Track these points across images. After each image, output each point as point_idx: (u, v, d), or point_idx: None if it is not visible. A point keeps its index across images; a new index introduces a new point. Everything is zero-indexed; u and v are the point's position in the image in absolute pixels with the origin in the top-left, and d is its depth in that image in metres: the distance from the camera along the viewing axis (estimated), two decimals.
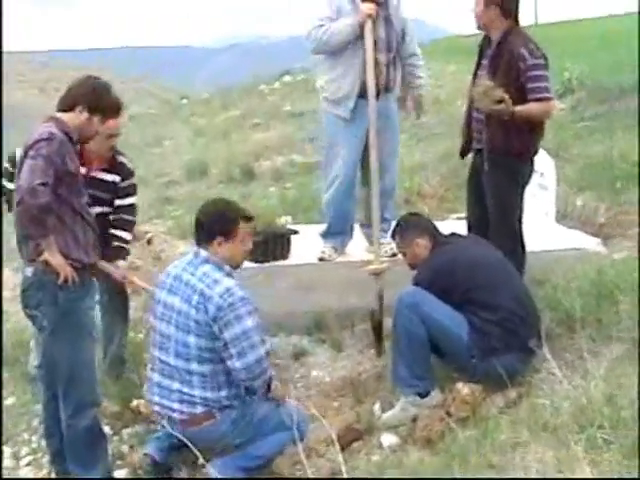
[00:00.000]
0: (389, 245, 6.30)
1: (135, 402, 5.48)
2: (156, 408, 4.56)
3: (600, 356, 4.90)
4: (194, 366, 4.30)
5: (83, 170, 5.49)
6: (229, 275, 4.36)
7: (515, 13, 5.70)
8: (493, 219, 5.78)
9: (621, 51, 15.54)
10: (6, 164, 5.56)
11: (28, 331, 6.38)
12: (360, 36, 6.04)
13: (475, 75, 5.86)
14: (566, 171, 8.93)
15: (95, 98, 4.70)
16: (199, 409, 4.34)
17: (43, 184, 4.34)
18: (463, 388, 4.86)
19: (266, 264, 6.38)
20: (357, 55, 6.13)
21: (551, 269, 6.11)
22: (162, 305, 4.44)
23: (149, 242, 8.55)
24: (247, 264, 6.29)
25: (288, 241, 6.53)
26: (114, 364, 5.73)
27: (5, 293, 8.43)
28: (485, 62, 5.73)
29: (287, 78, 25.06)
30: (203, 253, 4.41)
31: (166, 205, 11.31)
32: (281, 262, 6.46)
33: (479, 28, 5.79)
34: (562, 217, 7.83)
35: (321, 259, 6.47)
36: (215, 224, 4.44)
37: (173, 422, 4.41)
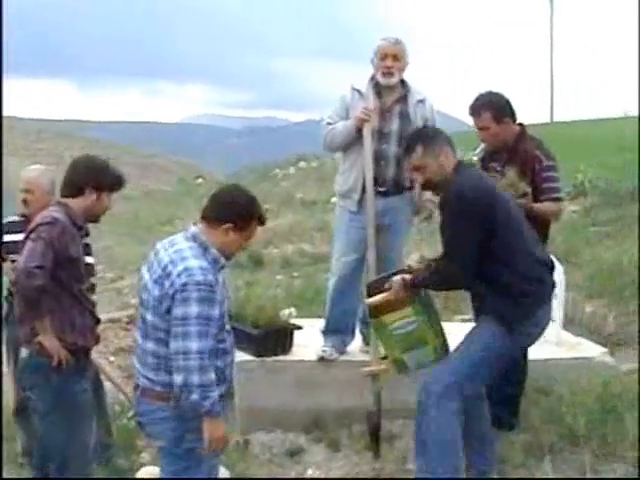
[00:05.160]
0: None
1: None
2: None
3: (602, 474, 4.79)
4: (150, 345, 4.03)
5: None
6: (212, 260, 4.01)
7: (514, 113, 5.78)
8: None
9: (635, 154, 15.62)
10: None
11: None
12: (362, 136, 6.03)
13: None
14: (575, 277, 8.89)
15: (101, 177, 4.81)
16: (158, 388, 4.05)
17: (39, 267, 4.46)
18: None
19: (267, 359, 6.29)
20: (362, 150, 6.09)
21: (556, 379, 6.05)
22: (141, 280, 4.17)
23: None
24: (248, 357, 6.28)
25: (291, 336, 6.44)
26: (97, 450, 5.64)
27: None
28: (495, 165, 5.73)
29: (302, 164, 25.30)
30: (193, 229, 4.07)
31: None
32: (282, 357, 6.36)
33: (495, 146, 5.75)
34: (570, 323, 7.73)
35: (321, 358, 6.34)
36: (235, 209, 4.09)
37: (136, 389, 4.17)
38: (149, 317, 3.99)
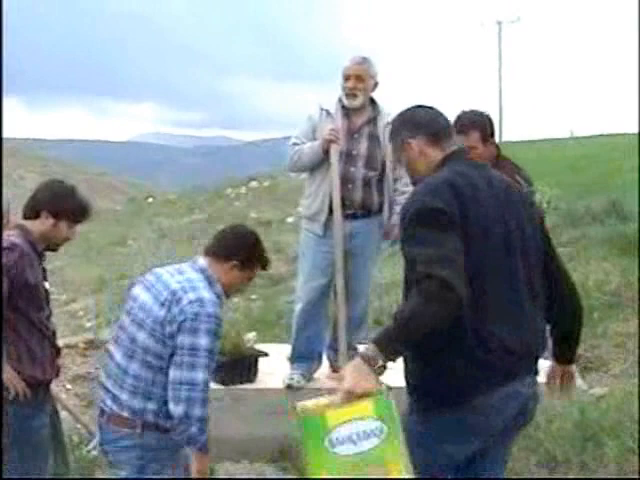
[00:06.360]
0: None
1: None
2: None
3: None
4: (133, 366, 3.87)
5: None
6: (216, 294, 3.91)
7: None
8: None
9: (589, 174, 15.71)
10: None
11: None
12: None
13: None
14: None
15: (60, 203, 4.58)
16: (125, 413, 3.87)
17: None
18: None
19: (232, 386, 6.12)
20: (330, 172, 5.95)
21: None
22: (132, 299, 4.01)
23: None
24: (212, 385, 6.07)
25: (256, 363, 6.27)
26: None
27: None
28: None
29: (254, 184, 25.14)
30: (201, 261, 4.01)
31: None
32: (248, 385, 6.20)
33: None
34: None
35: (288, 386, 6.15)
36: (245, 248, 4.05)
37: (102, 415, 3.99)
38: (142, 337, 3.85)
